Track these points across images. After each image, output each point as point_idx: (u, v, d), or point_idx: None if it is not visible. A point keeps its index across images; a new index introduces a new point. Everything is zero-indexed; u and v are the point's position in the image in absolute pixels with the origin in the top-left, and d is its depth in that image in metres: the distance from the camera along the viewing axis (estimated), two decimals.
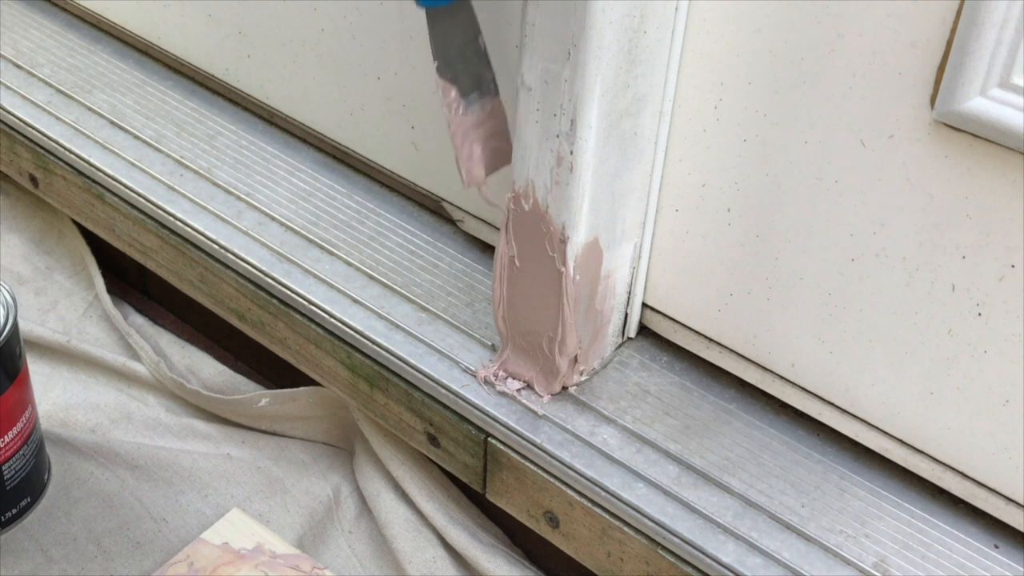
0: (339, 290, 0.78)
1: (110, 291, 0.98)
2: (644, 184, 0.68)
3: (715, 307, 0.70)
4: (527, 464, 0.70)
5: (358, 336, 0.76)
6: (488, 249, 0.81)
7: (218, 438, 0.88)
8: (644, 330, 0.75)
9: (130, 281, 1.03)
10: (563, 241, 0.65)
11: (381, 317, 0.76)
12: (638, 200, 0.68)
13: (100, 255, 1.00)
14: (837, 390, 0.67)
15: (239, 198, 0.86)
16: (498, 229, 0.70)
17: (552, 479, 0.69)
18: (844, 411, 0.67)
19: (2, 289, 0.75)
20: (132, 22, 1.00)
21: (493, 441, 0.71)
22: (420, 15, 0.76)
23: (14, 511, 0.78)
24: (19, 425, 0.75)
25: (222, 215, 0.84)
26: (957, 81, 0.53)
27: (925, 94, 0.55)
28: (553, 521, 0.70)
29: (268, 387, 0.90)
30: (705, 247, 0.69)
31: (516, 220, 0.66)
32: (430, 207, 0.85)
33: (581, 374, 0.72)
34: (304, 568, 0.76)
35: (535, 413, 0.70)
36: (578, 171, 0.62)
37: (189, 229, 0.84)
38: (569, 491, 0.68)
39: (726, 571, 0.63)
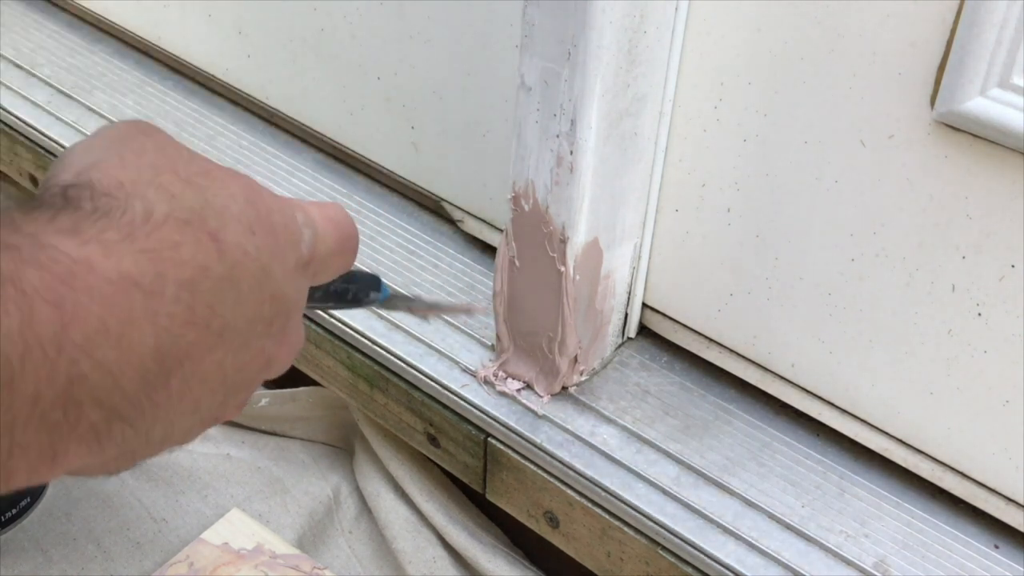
0: None
1: None
2: (644, 184, 0.68)
3: (715, 307, 0.70)
4: (527, 464, 0.70)
5: (358, 336, 0.76)
6: (488, 249, 0.81)
7: (218, 438, 0.88)
8: (644, 330, 0.75)
9: None
10: (563, 241, 0.65)
11: (381, 317, 0.76)
12: (638, 200, 0.68)
13: None
14: (837, 390, 0.67)
15: None
16: (498, 229, 0.71)
17: (552, 479, 0.69)
18: (844, 411, 0.67)
19: None
20: (132, 22, 1.00)
21: (493, 441, 0.71)
22: (420, 15, 0.76)
23: (14, 511, 0.78)
24: None
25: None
26: (957, 81, 0.53)
27: (925, 94, 0.55)
28: (553, 521, 0.70)
29: (268, 387, 0.90)
30: (705, 247, 0.69)
31: (516, 220, 0.66)
32: (430, 207, 0.85)
33: (581, 374, 0.72)
34: (304, 568, 0.76)
35: (535, 413, 0.70)
36: (578, 171, 0.62)
37: None
38: (569, 491, 0.68)
39: (726, 571, 0.63)
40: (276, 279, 0.36)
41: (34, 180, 0.96)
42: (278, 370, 0.40)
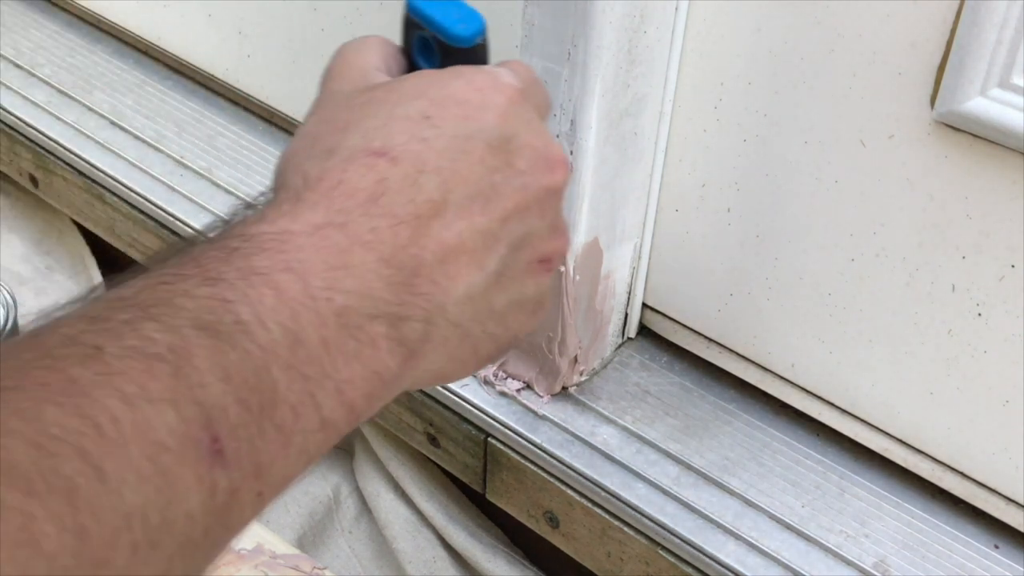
0: None
1: None
2: (644, 184, 0.68)
3: (715, 307, 0.70)
4: (527, 464, 0.70)
5: None
6: None
7: None
8: (644, 330, 0.75)
9: None
10: None
11: None
12: (638, 200, 0.68)
13: (100, 255, 1.00)
14: (837, 390, 0.67)
15: (239, 198, 0.86)
16: None
17: (552, 479, 0.69)
18: (844, 411, 0.67)
19: (2, 289, 0.75)
20: (132, 22, 1.00)
21: (493, 441, 0.71)
22: None
23: None
24: None
25: (222, 216, 0.84)
26: (957, 81, 0.53)
27: (925, 94, 0.55)
28: (553, 521, 0.70)
29: None
30: (705, 247, 0.69)
31: None
32: None
33: (581, 374, 0.72)
34: (304, 568, 0.76)
35: (535, 413, 0.70)
36: (578, 171, 0.62)
37: (189, 229, 0.84)
38: (569, 491, 0.68)
39: (726, 571, 0.63)
40: (476, 136, 0.38)
41: (34, 180, 0.96)
42: (559, 184, 0.41)
